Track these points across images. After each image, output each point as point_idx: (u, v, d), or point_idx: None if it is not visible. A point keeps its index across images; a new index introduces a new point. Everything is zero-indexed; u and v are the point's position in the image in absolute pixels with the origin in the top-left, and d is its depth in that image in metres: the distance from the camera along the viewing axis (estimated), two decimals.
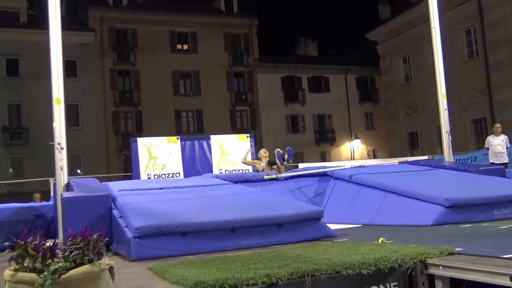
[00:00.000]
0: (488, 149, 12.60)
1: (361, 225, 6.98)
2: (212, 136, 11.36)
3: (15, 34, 31.36)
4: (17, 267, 2.88)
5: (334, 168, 9.06)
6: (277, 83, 38.70)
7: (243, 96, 37.77)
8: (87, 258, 2.92)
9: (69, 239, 3.00)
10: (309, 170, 9.56)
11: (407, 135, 34.20)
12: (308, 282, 3.42)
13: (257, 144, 27.98)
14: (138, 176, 10.31)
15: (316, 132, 39.69)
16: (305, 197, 8.40)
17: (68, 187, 6.81)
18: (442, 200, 6.28)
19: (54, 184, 7.40)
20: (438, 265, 3.64)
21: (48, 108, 7.35)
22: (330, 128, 40.04)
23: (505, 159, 12.22)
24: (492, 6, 26.54)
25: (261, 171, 9.91)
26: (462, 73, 27.55)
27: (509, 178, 8.59)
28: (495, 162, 11.75)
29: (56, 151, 6.92)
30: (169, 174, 10.57)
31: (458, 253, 3.78)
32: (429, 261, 3.70)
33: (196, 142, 11.14)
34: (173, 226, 5.04)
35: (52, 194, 9.47)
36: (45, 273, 2.76)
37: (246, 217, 5.40)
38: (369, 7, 48.23)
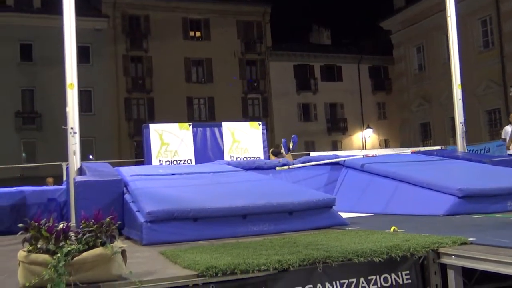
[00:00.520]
0: (504, 139, 12.21)
1: (372, 214, 6.94)
2: (224, 123, 11.34)
3: (29, 19, 31.49)
4: (30, 248, 2.91)
5: (346, 158, 9.03)
6: (290, 71, 38.56)
7: (255, 84, 37.70)
8: (100, 240, 2.94)
9: (82, 221, 3.02)
10: (321, 159, 9.52)
11: (419, 125, 33.99)
12: (320, 269, 3.41)
13: (269, 132, 27.98)
14: (150, 162, 10.33)
15: (328, 121, 39.60)
16: (317, 185, 8.34)
17: (80, 171, 6.83)
18: (455, 190, 6.22)
19: (67, 168, 7.42)
20: (450, 255, 3.60)
21: (61, 93, 7.37)
22: (342, 117, 39.92)
23: None
24: None
25: None
26: (477, 63, 27.28)
27: None
28: None
29: (69, 136, 6.93)
30: (180, 160, 10.58)
31: (471, 243, 3.74)
32: (441, 250, 3.67)
33: (208, 129, 11.12)
34: (185, 212, 5.05)
35: (64, 178, 9.51)
36: (58, 254, 2.79)
37: (258, 203, 5.39)
38: None
